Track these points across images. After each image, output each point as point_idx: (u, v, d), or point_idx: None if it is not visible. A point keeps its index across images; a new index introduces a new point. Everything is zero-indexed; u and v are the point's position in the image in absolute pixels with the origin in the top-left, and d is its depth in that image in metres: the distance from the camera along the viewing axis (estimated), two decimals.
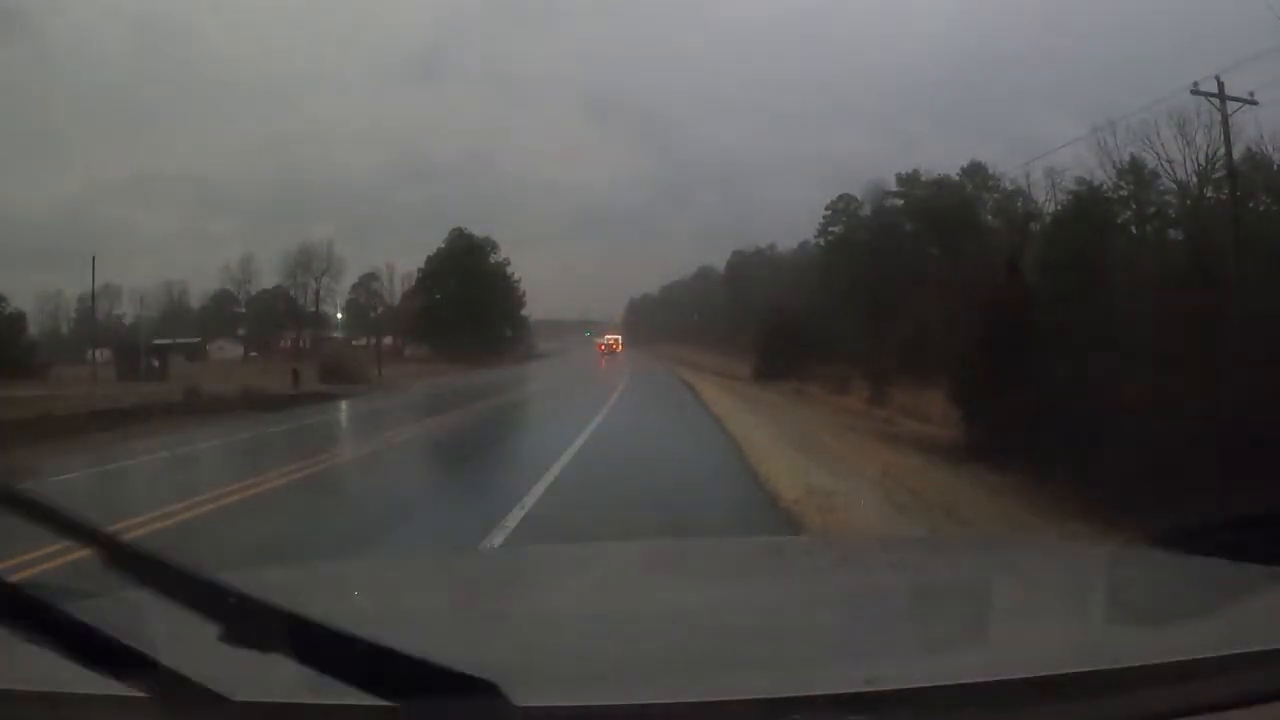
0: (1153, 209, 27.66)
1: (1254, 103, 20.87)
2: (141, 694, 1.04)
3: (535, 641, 1.54)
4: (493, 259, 60.49)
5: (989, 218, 34.66)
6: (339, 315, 59.85)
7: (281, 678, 1.07)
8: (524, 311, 63.53)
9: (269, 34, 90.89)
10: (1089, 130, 27.84)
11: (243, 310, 61.11)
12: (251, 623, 1.01)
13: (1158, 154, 26.51)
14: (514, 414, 23.50)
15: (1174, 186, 26.75)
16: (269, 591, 1.06)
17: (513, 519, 7.84)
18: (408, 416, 20.97)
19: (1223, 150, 22.16)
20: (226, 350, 57.07)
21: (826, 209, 43.07)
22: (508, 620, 1.74)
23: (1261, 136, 23.48)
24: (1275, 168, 24.17)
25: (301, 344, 54.76)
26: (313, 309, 57.70)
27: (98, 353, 44.39)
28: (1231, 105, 20.83)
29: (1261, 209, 24.42)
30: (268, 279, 59.64)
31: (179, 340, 51.80)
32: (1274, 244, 20.04)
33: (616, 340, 68.44)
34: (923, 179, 37.83)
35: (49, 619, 1.04)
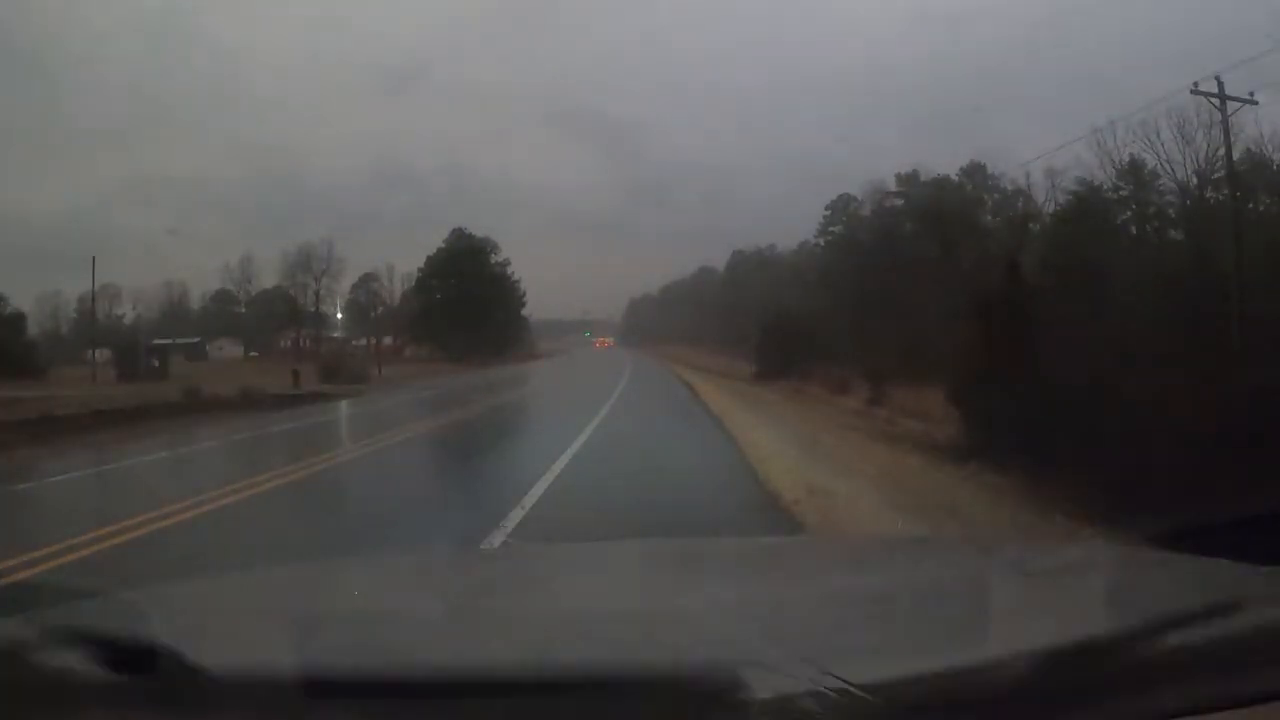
0: (1153, 209, 27.64)
1: (1254, 102, 20.88)
2: (142, 693, 1.04)
3: (535, 641, 1.54)
4: (493, 259, 60.51)
5: (989, 218, 34.64)
6: (339, 315, 59.84)
7: (281, 676, 1.07)
8: (524, 312, 63.55)
9: (271, 41, 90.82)
10: (1089, 130, 27.74)
11: (243, 310, 61.11)
12: None
13: (1158, 154, 26.50)
14: (513, 414, 23.51)
15: (1174, 187, 26.74)
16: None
17: (512, 519, 7.84)
18: (407, 417, 20.97)
19: (1223, 150, 22.16)
20: (226, 350, 57.04)
21: (826, 209, 43.11)
22: (507, 620, 1.74)
23: (1261, 136, 23.49)
24: (1275, 167, 24.15)
25: (302, 344, 54.73)
26: (313, 309, 57.67)
27: (98, 353, 44.35)
28: (1231, 105, 20.84)
29: (1261, 209, 24.40)
30: (268, 279, 59.65)
31: (179, 340, 51.79)
32: (1274, 244, 20.03)
33: (608, 340, 74.84)
34: (922, 179, 37.83)
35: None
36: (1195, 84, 20.96)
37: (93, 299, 48.01)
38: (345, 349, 53.05)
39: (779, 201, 71.69)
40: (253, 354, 56.92)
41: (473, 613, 1.82)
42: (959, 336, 15.67)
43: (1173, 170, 26.40)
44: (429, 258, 59.45)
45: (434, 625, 1.67)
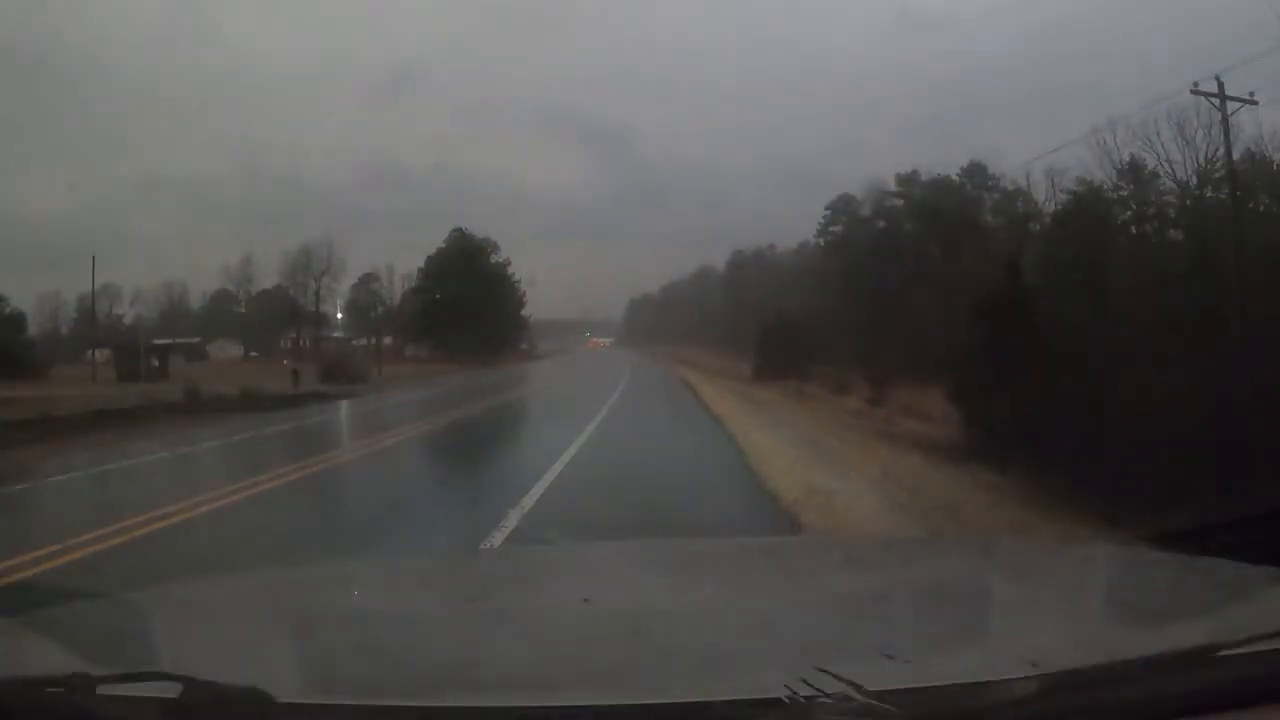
0: (1152, 209, 27.63)
1: (1254, 103, 20.87)
2: (142, 694, 1.04)
3: (535, 641, 1.54)
4: (493, 259, 60.45)
5: (989, 218, 34.61)
6: (339, 315, 59.82)
7: (282, 677, 1.07)
8: (524, 311, 63.47)
9: (271, 41, 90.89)
10: (1089, 130, 27.74)
11: (243, 310, 61.07)
12: None
13: (1158, 154, 26.49)
14: (514, 413, 23.51)
15: (1174, 187, 26.75)
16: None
17: (512, 519, 7.83)
18: (406, 417, 20.95)
19: (1223, 150, 22.16)
20: (226, 350, 57.03)
21: (826, 209, 43.03)
22: (508, 620, 1.74)
23: (1261, 136, 23.49)
24: (1275, 167, 24.14)
25: (302, 344, 54.74)
26: (313, 309, 57.66)
27: (98, 353, 44.33)
28: (1231, 105, 20.85)
29: (1261, 209, 24.39)
30: (268, 279, 59.60)
31: (179, 340, 51.75)
32: (1274, 244, 20.03)
33: (602, 341, 76.77)
34: (922, 179, 37.81)
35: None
36: (1195, 84, 20.98)
37: (93, 299, 48.02)
38: (345, 349, 53.02)
39: (779, 202, 71.69)
40: (253, 354, 56.91)
41: (473, 613, 1.82)
42: (959, 337, 15.69)
43: (1173, 170, 26.41)
44: (429, 257, 59.37)
45: (434, 625, 1.67)
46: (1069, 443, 9.93)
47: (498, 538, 7.04)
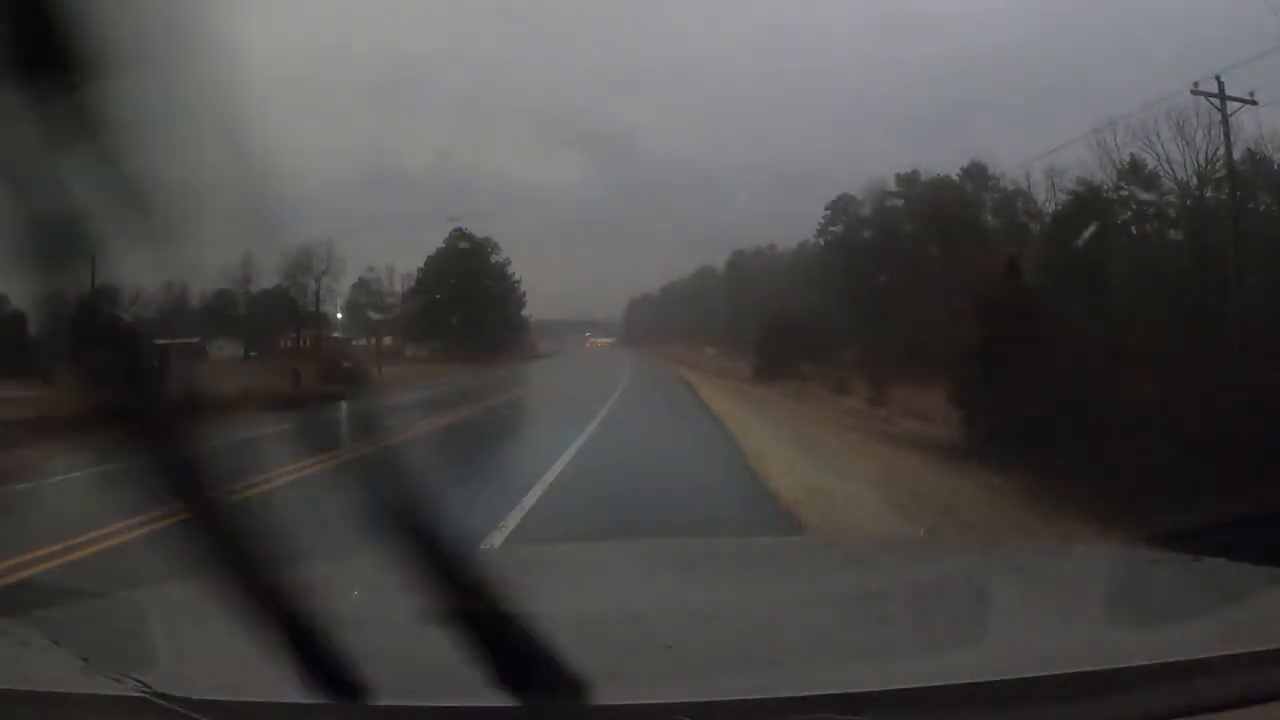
0: (1153, 209, 27.59)
1: (1254, 102, 20.86)
2: (141, 694, 1.04)
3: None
4: (493, 259, 60.41)
5: (989, 218, 34.56)
6: (339, 315, 59.77)
7: (280, 678, 1.07)
8: (524, 311, 63.41)
9: (271, 41, 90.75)
10: (1089, 130, 27.71)
11: (242, 310, 61.01)
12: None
13: (1158, 154, 26.45)
14: (515, 413, 23.51)
15: (1174, 187, 26.71)
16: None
17: (512, 519, 7.83)
18: (407, 417, 20.93)
19: (1223, 150, 22.14)
20: (226, 350, 57.01)
21: (826, 209, 42.99)
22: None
23: (1261, 136, 23.45)
24: (1275, 167, 24.12)
25: (302, 344, 54.69)
26: (313, 309, 57.59)
27: None
28: (1231, 105, 20.84)
29: (1261, 209, 24.38)
30: (268, 279, 59.48)
31: (179, 340, 51.72)
32: (1274, 244, 20.04)
33: (600, 340, 76.63)
34: (922, 179, 37.77)
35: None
36: (1195, 84, 20.98)
37: (93, 299, 47.94)
38: (345, 349, 53.03)
39: (779, 202, 71.53)
40: (252, 354, 56.89)
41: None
42: (959, 336, 15.69)
43: (1172, 170, 26.39)
44: (428, 258, 59.35)
45: (433, 626, 1.66)
46: (1069, 443, 9.93)
47: (498, 538, 7.04)
